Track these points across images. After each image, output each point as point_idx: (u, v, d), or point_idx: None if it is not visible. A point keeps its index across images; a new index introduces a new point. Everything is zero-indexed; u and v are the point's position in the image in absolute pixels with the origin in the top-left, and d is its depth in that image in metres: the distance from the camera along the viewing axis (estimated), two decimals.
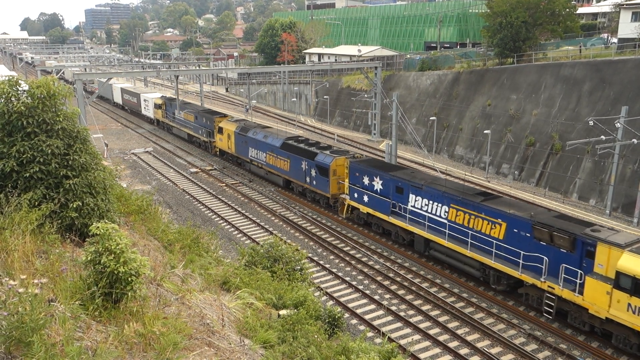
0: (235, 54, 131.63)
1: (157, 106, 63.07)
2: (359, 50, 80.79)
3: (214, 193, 39.77)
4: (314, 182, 35.14)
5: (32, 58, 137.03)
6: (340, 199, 33.50)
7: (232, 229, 32.80)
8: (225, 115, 51.20)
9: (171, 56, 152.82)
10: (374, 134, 58.24)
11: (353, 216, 32.71)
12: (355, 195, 31.48)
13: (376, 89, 55.75)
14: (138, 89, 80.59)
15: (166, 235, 14.99)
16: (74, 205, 9.97)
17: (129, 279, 7.52)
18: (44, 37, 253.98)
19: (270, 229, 32.42)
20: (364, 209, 30.95)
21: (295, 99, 75.59)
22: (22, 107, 9.83)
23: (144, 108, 69.03)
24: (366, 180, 30.64)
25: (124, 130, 66.04)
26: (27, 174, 9.72)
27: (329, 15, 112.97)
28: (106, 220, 8.91)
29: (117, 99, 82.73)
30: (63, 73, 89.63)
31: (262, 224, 33.44)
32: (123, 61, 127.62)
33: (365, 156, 37.05)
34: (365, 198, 30.63)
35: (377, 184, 29.82)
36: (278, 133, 41.30)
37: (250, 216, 34.73)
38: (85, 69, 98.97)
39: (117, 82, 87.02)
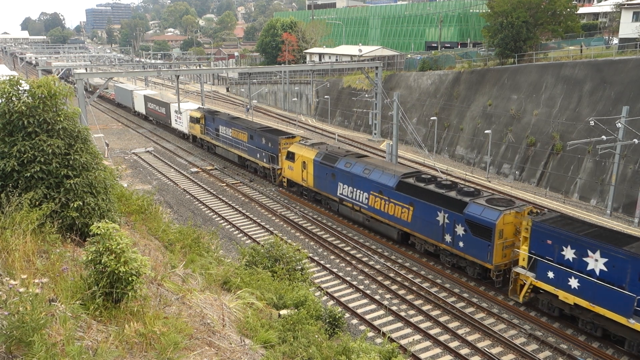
0: (236, 53, 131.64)
1: (194, 120, 52.91)
2: (360, 50, 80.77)
3: (214, 193, 39.77)
4: (460, 244, 24.94)
5: (35, 59, 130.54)
6: (513, 274, 22.65)
7: (233, 229, 32.80)
8: (292, 136, 40.37)
9: (172, 56, 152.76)
10: (375, 133, 58.23)
11: (543, 305, 22.32)
12: (550, 274, 21.03)
13: (377, 89, 55.74)
14: (166, 97, 68.67)
15: (167, 235, 14.99)
16: (75, 205, 9.97)
17: (130, 279, 7.52)
18: (45, 37, 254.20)
19: (271, 229, 32.43)
20: (570, 298, 20.44)
21: (296, 99, 75.58)
22: (23, 107, 9.83)
23: (175, 121, 59.30)
24: (569, 253, 20.30)
25: (124, 129, 66.05)
26: (28, 174, 9.72)
27: (329, 15, 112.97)
28: (107, 220, 8.91)
29: (139, 107, 72.73)
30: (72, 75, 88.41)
31: (262, 223, 33.45)
32: (124, 61, 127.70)
33: (546, 211, 23.57)
34: (573, 282, 20.19)
35: (596, 263, 19.45)
36: (385, 166, 31.14)
37: (251, 216, 34.74)
38: (86, 69, 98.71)
39: (138, 89, 79.32)
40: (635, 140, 32.50)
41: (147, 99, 68.21)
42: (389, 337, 16.46)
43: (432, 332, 21.13)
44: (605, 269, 19.08)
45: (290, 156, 37.03)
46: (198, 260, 13.24)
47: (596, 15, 76.46)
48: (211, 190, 40.34)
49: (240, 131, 44.27)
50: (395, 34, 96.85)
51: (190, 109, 55.34)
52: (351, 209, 32.33)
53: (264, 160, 41.29)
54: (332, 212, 34.70)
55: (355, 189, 31.40)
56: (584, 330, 20.63)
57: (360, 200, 31.07)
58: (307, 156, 35.26)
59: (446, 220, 25.43)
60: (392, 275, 26.19)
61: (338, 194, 33.01)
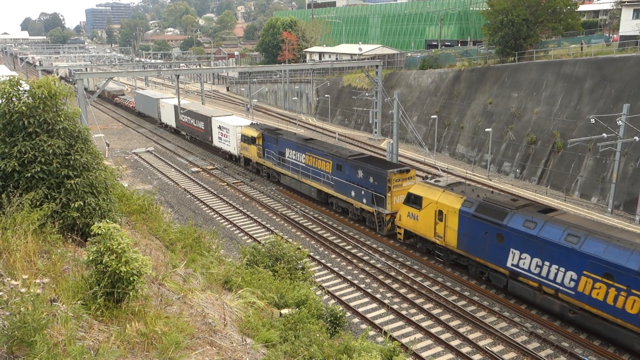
0: (236, 53, 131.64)
1: (249, 139, 42.97)
2: (360, 49, 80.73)
3: (215, 192, 39.78)
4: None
5: (39, 61, 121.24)
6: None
7: (234, 228, 32.81)
8: (406, 169, 30.40)
9: (172, 55, 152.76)
10: (375, 132, 58.22)
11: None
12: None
13: (377, 88, 55.72)
14: (206, 110, 56.40)
15: (168, 234, 15.01)
16: (76, 205, 9.98)
17: (131, 279, 7.53)
18: (45, 37, 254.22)
19: (272, 228, 32.43)
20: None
21: (296, 98, 75.56)
22: (24, 107, 9.83)
23: (219, 138, 49.30)
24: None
25: (125, 129, 66.05)
26: (29, 174, 9.72)
27: (329, 14, 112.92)
28: (108, 220, 8.92)
29: (168, 119, 62.38)
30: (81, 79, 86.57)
31: (263, 222, 33.45)
32: (124, 61, 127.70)
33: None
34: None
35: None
36: (604, 231, 20.49)
37: (251, 215, 34.74)
38: (86, 69, 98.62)
39: (166, 97, 66.58)
40: (636, 138, 32.47)
41: (179, 110, 57.06)
42: (390, 335, 16.47)
43: (433, 330, 21.13)
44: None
45: (414, 200, 27.06)
46: (199, 260, 13.25)
47: (596, 12, 76.38)
48: (212, 190, 40.35)
49: (320, 158, 34.80)
50: (395, 33, 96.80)
51: (241, 125, 45.84)
52: (536, 290, 21.96)
53: (363, 200, 31.20)
54: (496, 288, 24.46)
55: (547, 264, 21.22)
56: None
57: (562, 282, 20.77)
58: (447, 204, 25.41)
59: None
60: (393, 274, 26.18)
61: (509, 265, 22.79)
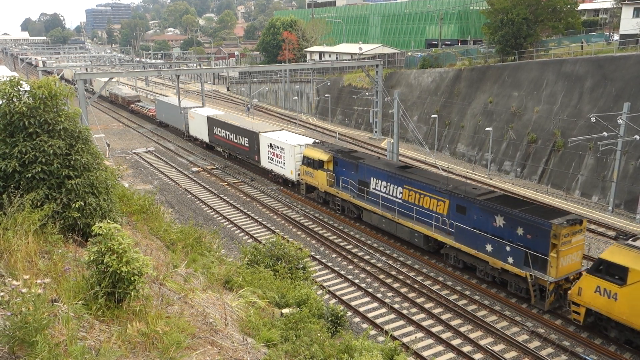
0: (236, 52, 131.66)
1: (314, 163, 35.12)
2: (360, 49, 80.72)
3: (216, 192, 39.79)
4: None
5: (44, 63, 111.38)
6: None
7: (235, 228, 32.82)
8: (578, 220, 21.72)
9: (172, 56, 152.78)
10: (376, 132, 58.21)
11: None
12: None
13: (377, 87, 55.71)
14: (250, 123, 46.98)
15: (168, 234, 15.02)
16: (77, 206, 9.98)
17: (132, 279, 7.53)
18: (45, 38, 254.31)
19: (273, 228, 32.44)
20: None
21: (296, 98, 75.58)
22: (24, 108, 9.84)
23: (270, 159, 41.30)
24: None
25: (125, 130, 66.08)
26: (30, 175, 9.73)
27: (329, 14, 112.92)
28: (108, 220, 8.92)
29: (198, 132, 54.27)
30: (91, 83, 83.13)
31: (264, 222, 33.46)
32: (124, 61, 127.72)
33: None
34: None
35: None
36: None
37: (252, 215, 34.75)
38: (86, 69, 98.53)
39: (196, 106, 57.89)
40: (637, 137, 32.42)
41: (213, 122, 50.00)
42: (391, 335, 16.49)
43: (434, 329, 21.13)
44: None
45: (611, 270, 19.03)
46: (200, 260, 13.26)
47: (597, 11, 76.35)
48: (212, 190, 40.35)
49: (429, 194, 26.97)
50: (395, 32, 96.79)
51: (301, 144, 37.95)
52: None
53: (508, 259, 22.82)
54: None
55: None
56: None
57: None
58: None
59: None
60: (394, 273, 26.19)
61: None
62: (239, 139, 45.72)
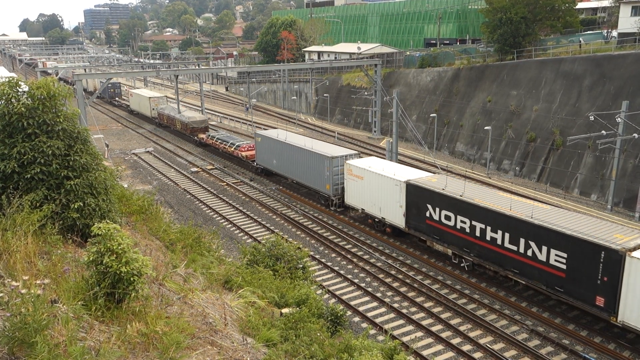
0: (235, 52, 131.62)
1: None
2: (359, 48, 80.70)
3: (215, 192, 39.77)
4: None
5: (55, 69, 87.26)
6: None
7: (234, 228, 32.81)
8: None
9: (171, 56, 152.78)
10: (375, 131, 58.22)
11: None
12: None
13: (376, 87, 55.71)
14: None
15: (168, 235, 15.00)
16: (76, 206, 9.97)
17: (131, 279, 7.52)
18: (44, 38, 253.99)
19: (272, 228, 32.44)
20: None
21: (295, 97, 75.57)
22: (23, 108, 9.82)
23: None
24: None
25: (124, 130, 66.02)
26: (28, 175, 9.71)
27: (328, 13, 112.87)
28: (108, 221, 8.91)
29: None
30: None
31: (263, 222, 33.46)
32: (123, 61, 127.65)
33: None
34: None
35: None
36: None
37: (251, 215, 34.74)
38: (85, 70, 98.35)
39: (347, 153, 35.04)
40: (635, 135, 32.47)
41: (424, 195, 27.76)
42: (390, 334, 16.48)
43: (434, 329, 21.14)
44: None
45: None
46: (199, 260, 13.25)
47: (595, 10, 76.39)
48: (212, 190, 40.34)
49: None
50: (394, 31, 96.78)
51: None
52: None
53: None
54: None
55: None
56: None
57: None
58: None
59: None
60: (393, 272, 26.20)
61: None
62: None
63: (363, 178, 31.10)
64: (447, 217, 25.79)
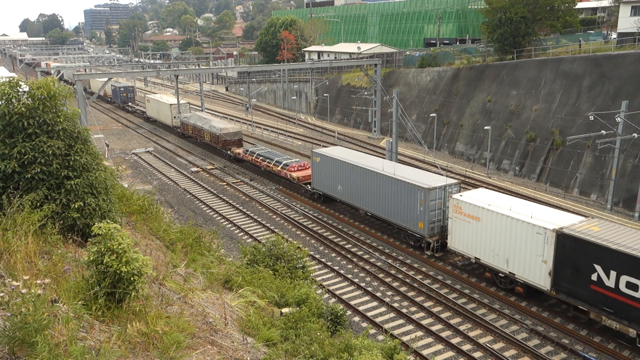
0: (235, 52, 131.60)
1: None
2: (359, 48, 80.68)
3: (215, 192, 39.78)
4: None
5: (62, 68, 76.44)
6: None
7: (234, 228, 32.83)
8: None
9: (171, 56, 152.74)
10: (375, 131, 58.22)
11: None
12: None
13: (376, 86, 55.72)
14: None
15: (168, 234, 15.01)
16: (76, 206, 9.98)
17: (132, 279, 7.53)
18: (44, 39, 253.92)
19: (272, 227, 32.45)
20: None
21: (295, 97, 75.58)
22: (23, 108, 9.83)
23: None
24: None
25: (124, 130, 66.03)
26: (29, 175, 9.73)
27: (328, 13, 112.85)
28: (108, 221, 8.92)
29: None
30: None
31: (263, 222, 33.47)
32: (123, 61, 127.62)
33: None
34: None
35: None
36: None
37: (251, 215, 34.75)
38: (85, 70, 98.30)
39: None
40: (635, 135, 32.49)
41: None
42: (390, 334, 16.49)
43: (433, 328, 21.16)
44: None
45: None
46: (199, 260, 13.26)
47: (594, 10, 76.40)
48: (212, 190, 40.35)
49: None
50: (393, 31, 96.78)
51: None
52: None
53: None
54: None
55: None
56: None
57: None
58: None
59: None
60: (393, 272, 26.22)
61: None
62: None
63: (480, 219, 24.21)
64: (632, 286, 18.58)
